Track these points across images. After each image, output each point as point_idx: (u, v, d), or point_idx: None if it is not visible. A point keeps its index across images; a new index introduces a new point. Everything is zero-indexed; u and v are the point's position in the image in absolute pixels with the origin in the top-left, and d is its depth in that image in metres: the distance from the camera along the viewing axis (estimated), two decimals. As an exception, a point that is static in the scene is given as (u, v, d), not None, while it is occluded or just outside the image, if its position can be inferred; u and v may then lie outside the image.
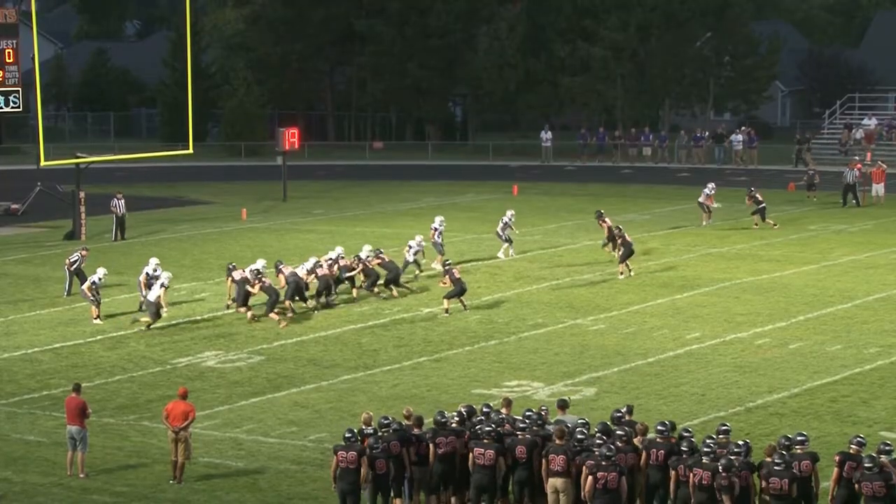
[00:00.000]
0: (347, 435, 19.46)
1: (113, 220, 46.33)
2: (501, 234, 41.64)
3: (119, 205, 46.24)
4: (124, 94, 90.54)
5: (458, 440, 19.71)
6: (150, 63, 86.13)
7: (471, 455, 19.39)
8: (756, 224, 46.25)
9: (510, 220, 41.82)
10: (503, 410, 20.67)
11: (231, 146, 77.12)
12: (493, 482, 19.31)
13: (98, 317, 32.69)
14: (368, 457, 19.28)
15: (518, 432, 19.54)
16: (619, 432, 19.26)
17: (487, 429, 19.45)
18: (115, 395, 26.73)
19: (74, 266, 35.93)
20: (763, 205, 46.58)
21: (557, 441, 19.05)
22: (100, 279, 33.03)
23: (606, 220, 40.42)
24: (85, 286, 32.89)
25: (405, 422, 20.09)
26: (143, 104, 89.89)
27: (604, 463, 18.34)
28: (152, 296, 31.82)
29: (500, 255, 41.61)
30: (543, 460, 18.99)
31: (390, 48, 78.18)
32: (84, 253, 36.74)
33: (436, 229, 39.87)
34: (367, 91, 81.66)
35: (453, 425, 20.03)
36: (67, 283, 35.90)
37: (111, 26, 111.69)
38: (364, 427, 19.89)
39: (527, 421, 19.71)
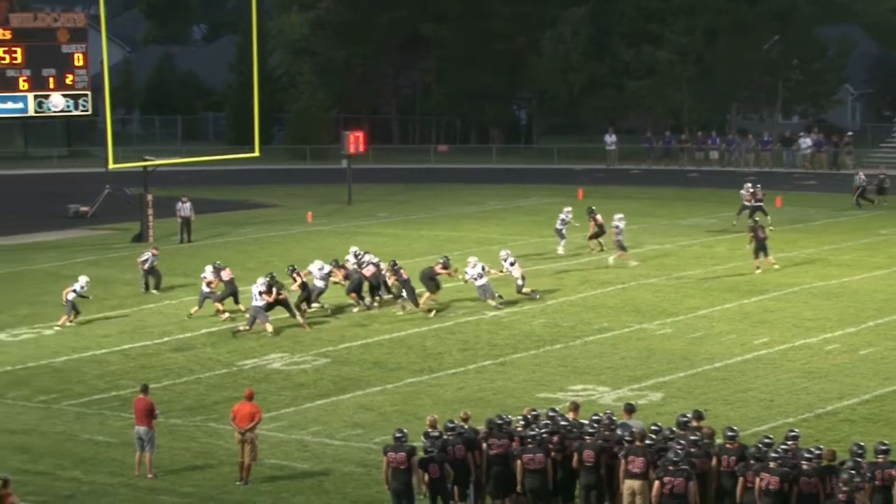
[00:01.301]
0: (397, 435, 19.48)
1: (178, 223, 46.67)
2: (560, 230, 42.23)
3: (184, 208, 46.57)
4: (191, 98, 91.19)
5: (511, 443, 19.69)
6: (217, 67, 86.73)
7: (519, 462, 19.32)
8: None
9: (567, 216, 42.21)
10: (570, 414, 20.58)
11: (296, 149, 77.43)
12: (544, 486, 19.23)
13: (71, 322, 32.67)
14: (420, 460, 19.25)
15: (586, 436, 19.44)
16: (691, 437, 19.11)
17: (532, 433, 19.38)
18: (182, 397, 26.89)
19: (147, 265, 36.51)
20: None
21: (638, 443, 18.91)
22: (81, 287, 33.10)
23: (597, 216, 42.12)
24: (67, 292, 32.96)
25: (461, 424, 20.06)
26: (209, 108, 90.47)
27: (671, 468, 18.20)
28: (259, 303, 31.83)
29: (560, 250, 42.06)
30: (622, 461, 18.86)
31: (455, 52, 78.19)
32: (154, 252, 37.26)
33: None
34: (432, 95, 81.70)
35: (518, 428, 19.97)
36: (143, 281, 36.57)
37: (178, 31, 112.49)
38: (429, 430, 19.86)
39: (595, 425, 19.61)
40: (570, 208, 43.38)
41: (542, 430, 19.52)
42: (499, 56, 77.67)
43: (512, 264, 35.69)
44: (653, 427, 19.68)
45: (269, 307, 31.99)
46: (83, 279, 33.27)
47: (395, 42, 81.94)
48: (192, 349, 30.82)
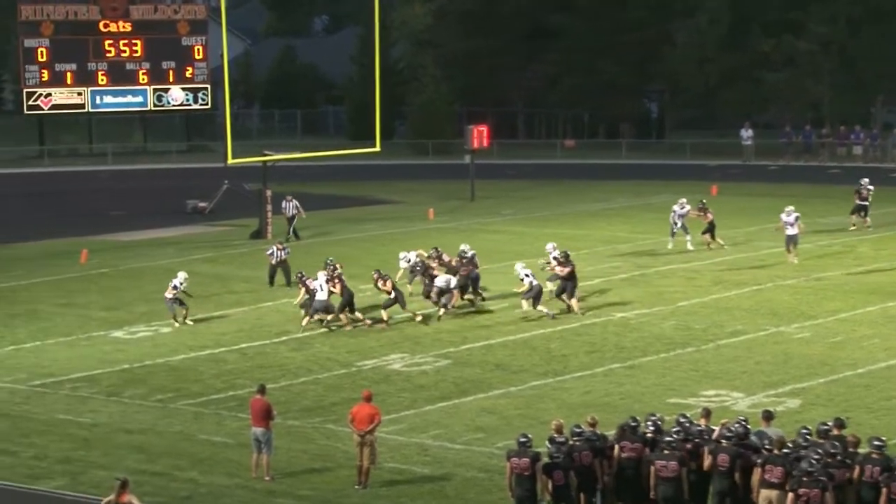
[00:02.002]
0: (521, 440, 19.43)
1: (286, 223, 46.80)
2: (677, 224, 41.86)
3: (289, 206, 46.79)
4: (311, 91, 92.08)
5: (643, 448, 19.56)
6: (338, 59, 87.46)
7: (652, 468, 19.17)
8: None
9: (683, 209, 42.00)
10: (701, 421, 20.37)
11: (418, 144, 77.76)
12: (678, 495, 19.04)
13: (186, 318, 33.07)
14: (544, 466, 19.19)
15: (722, 440, 19.25)
16: (828, 446, 18.79)
17: (669, 439, 19.20)
18: (300, 397, 27.14)
19: (275, 259, 36.96)
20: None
21: (776, 451, 18.65)
22: (181, 283, 33.40)
23: (710, 212, 41.78)
24: (168, 293, 33.28)
25: (588, 429, 19.97)
26: (330, 101, 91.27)
27: (805, 479, 17.92)
28: (322, 296, 32.21)
29: (690, 245, 41.89)
30: (759, 470, 18.61)
31: (583, 43, 77.85)
32: (279, 246, 37.62)
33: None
34: (559, 87, 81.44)
35: (648, 435, 19.83)
36: (269, 276, 36.98)
37: (299, 22, 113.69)
38: (555, 435, 19.78)
39: (731, 431, 19.39)
40: (685, 199, 42.87)
41: (676, 437, 19.34)
42: (630, 46, 77.13)
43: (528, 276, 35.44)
44: (803, 431, 19.42)
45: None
46: (182, 275, 33.67)
47: (522, 32, 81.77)
48: (311, 349, 31.09)
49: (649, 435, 19.86)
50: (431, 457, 23.42)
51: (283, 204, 46.86)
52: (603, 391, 27.12)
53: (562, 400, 26.56)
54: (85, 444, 24.28)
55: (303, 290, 33.19)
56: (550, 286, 34.54)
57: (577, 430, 19.86)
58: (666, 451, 19.14)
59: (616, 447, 19.74)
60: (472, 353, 30.38)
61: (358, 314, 33.00)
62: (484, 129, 59.50)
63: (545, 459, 19.42)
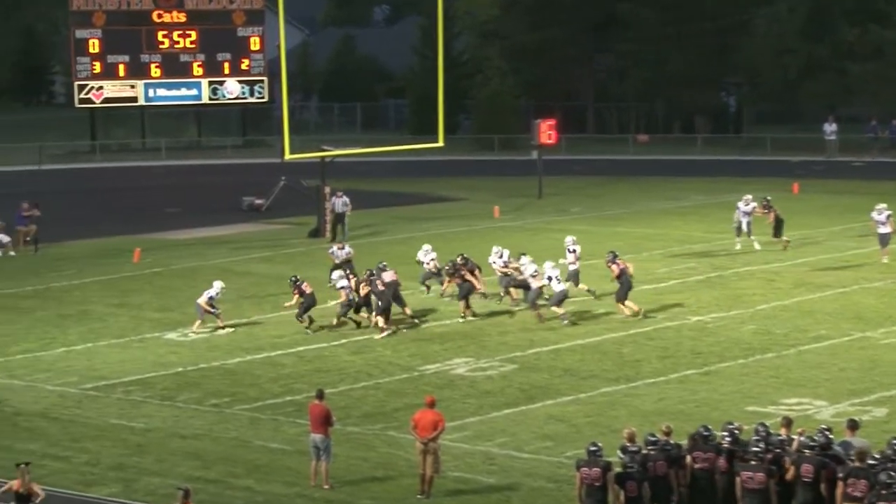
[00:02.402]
0: (592, 448, 19.38)
1: (330, 220, 46.78)
2: (741, 223, 41.60)
3: (337, 203, 46.80)
4: (372, 83, 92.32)
5: (717, 457, 19.44)
6: (400, 51, 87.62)
7: (738, 479, 19.06)
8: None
9: (747, 206, 41.78)
10: (782, 431, 20.22)
11: (483, 139, 77.75)
12: (765, 509, 18.95)
13: (223, 327, 33.12)
14: (617, 476, 19.12)
15: (805, 450, 19.11)
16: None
17: (756, 450, 19.07)
18: (360, 403, 27.21)
19: (338, 259, 37.06)
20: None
21: (858, 463, 18.49)
22: (217, 293, 33.44)
23: (775, 209, 41.58)
24: (201, 300, 33.34)
25: (663, 438, 19.88)
26: (391, 94, 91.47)
27: (883, 492, 17.74)
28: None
29: (756, 245, 41.65)
30: (841, 483, 18.46)
31: (656, 33, 77.52)
32: (338, 246, 37.70)
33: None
34: (631, 80, 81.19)
35: (725, 444, 19.71)
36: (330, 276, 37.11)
37: (359, 12, 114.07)
38: (627, 444, 19.72)
39: (814, 440, 19.24)
40: (749, 195, 42.60)
41: (770, 447, 19.21)
42: (705, 37, 76.75)
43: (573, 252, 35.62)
44: None
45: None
46: (218, 284, 33.67)
47: (591, 23, 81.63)
48: (371, 352, 31.16)
49: (725, 445, 19.74)
50: (497, 466, 23.41)
51: (333, 200, 46.90)
52: (677, 398, 26.99)
53: (634, 407, 26.46)
54: (138, 450, 24.47)
55: (297, 295, 33.09)
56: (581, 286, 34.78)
57: (652, 438, 19.79)
58: (752, 462, 19.01)
59: (688, 458, 19.63)
60: (539, 358, 30.35)
61: (363, 314, 33.05)
62: (552, 123, 59.36)
63: (617, 469, 19.35)
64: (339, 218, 46.80)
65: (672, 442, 19.94)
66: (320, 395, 22.89)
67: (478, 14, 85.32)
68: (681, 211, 52.40)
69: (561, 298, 33.06)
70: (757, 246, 41.84)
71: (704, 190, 58.30)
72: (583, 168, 67.52)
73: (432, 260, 36.24)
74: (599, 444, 19.57)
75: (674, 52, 76.94)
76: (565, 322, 32.78)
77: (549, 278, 33.23)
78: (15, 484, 19.56)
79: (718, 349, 30.68)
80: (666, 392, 27.47)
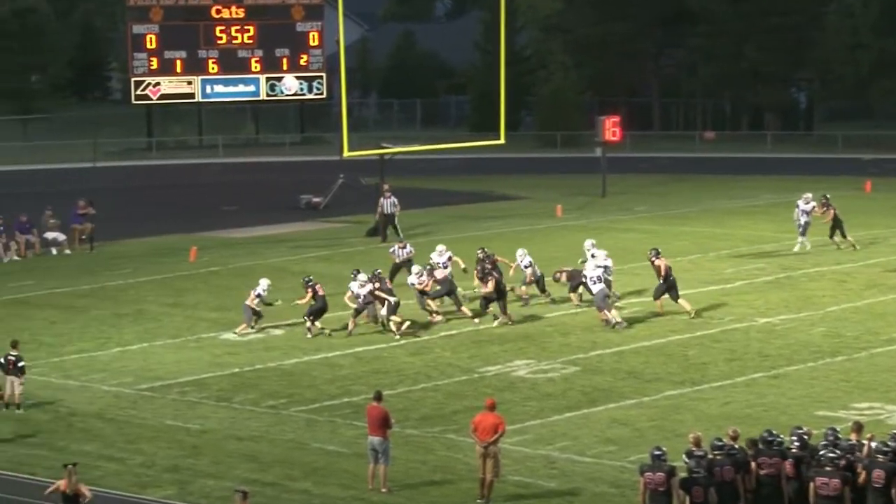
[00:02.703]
0: (656, 453, 19.34)
1: (378, 220, 46.66)
2: (799, 223, 41.31)
3: (386, 203, 46.64)
4: (432, 79, 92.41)
5: (783, 462, 19.34)
6: (461, 46, 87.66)
7: (811, 485, 18.95)
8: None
9: (807, 205, 41.50)
10: (852, 436, 20.10)
11: (546, 136, 77.68)
12: (838, 515, 18.83)
13: (252, 328, 33.13)
14: (682, 481, 19.06)
15: (878, 455, 18.98)
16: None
17: (832, 455, 18.94)
18: (418, 405, 27.26)
19: (399, 259, 37.12)
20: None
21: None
22: (265, 291, 33.49)
23: (833, 208, 41.23)
24: (250, 301, 33.37)
25: (730, 442, 19.80)
26: (451, 91, 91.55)
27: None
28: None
29: (797, 248, 41.46)
30: None
31: (725, 28, 77.18)
32: (400, 245, 37.73)
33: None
34: (698, 76, 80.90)
35: (793, 450, 19.61)
36: (389, 275, 37.08)
37: (420, 7, 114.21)
38: (693, 449, 19.66)
39: (888, 445, 19.11)
40: (810, 194, 42.32)
41: (845, 453, 19.10)
42: (775, 32, 76.30)
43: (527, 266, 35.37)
44: None
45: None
46: (265, 282, 33.74)
47: (658, 17, 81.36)
48: (430, 353, 31.21)
49: (794, 450, 19.63)
50: (559, 470, 23.39)
51: (381, 200, 46.77)
52: (744, 402, 26.86)
53: (700, 411, 26.36)
54: (194, 452, 24.64)
55: (309, 295, 33.11)
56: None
57: (718, 443, 19.72)
58: (828, 468, 18.90)
59: (753, 463, 19.53)
60: (602, 360, 30.29)
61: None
62: (616, 119, 59.25)
63: (682, 474, 19.30)
64: (388, 219, 46.64)
65: (738, 446, 19.86)
66: (378, 397, 22.94)
67: (540, 8, 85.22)
68: (749, 210, 52.10)
69: (602, 298, 32.92)
70: (808, 247, 41.55)
71: (773, 188, 57.93)
72: (648, 166, 67.32)
73: (447, 262, 35.40)
74: (664, 449, 19.53)
75: (744, 48, 76.51)
76: (622, 325, 32.62)
77: (586, 277, 33.18)
78: (62, 484, 19.75)
79: (787, 352, 30.50)
80: (732, 396, 27.35)
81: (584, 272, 33.68)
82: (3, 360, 27.05)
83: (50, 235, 45.52)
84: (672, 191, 58.33)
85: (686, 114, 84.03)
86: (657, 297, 33.90)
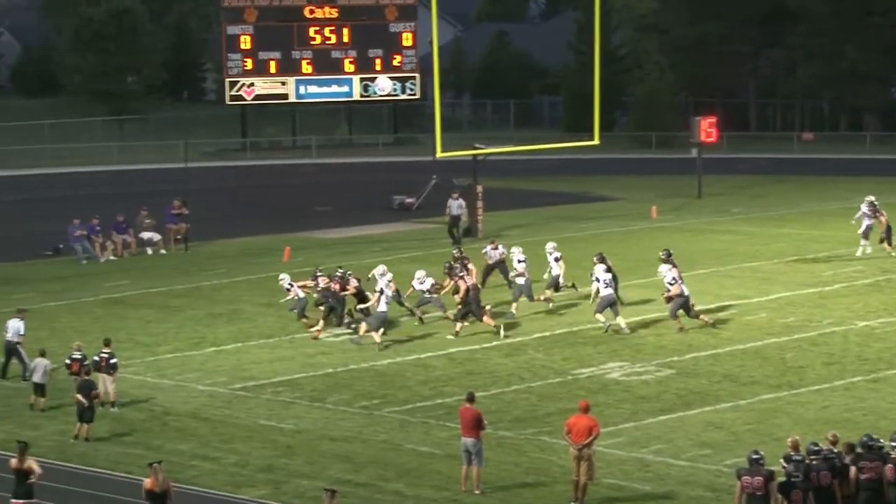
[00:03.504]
0: (754, 457, 19.24)
1: (448, 223, 46.51)
2: (865, 225, 40.78)
3: (454, 205, 46.52)
4: (526, 80, 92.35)
5: (883, 467, 19.14)
6: (554, 46, 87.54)
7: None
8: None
9: (869, 209, 40.99)
10: (954, 442, 19.87)
11: (640, 137, 77.37)
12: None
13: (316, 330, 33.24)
14: (781, 485, 18.93)
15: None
16: None
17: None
18: (511, 407, 27.28)
19: (493, 260, 37.12)
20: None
21: None
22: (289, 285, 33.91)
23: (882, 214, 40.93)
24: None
25: (829, 447, 19.63)
26: (545, 91, 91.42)
27: None
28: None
29: (859, 252, 41.02)
30: None
31: (824, 27, 76.40)
32: (491, 245, 37.64)
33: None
34: (797, 76, 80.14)
35: (894, 454, 19.41)
36: (482, 276, 37.07)
37: (514, 7, 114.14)
38: (791, 453, 19.52)
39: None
40: (872, 197, 41.84)
41: None
42: (876, 31, 75.41)
43: (557, 260, 35.16)
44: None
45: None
46: (286, 277, 34.29)
47: (755, 16, 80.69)
48: (523, 355, 31.22)
49: (894, 455, 19.44)
50: (653, 473, 23.32)
51: (449, 202, 46.66)
52: (843, 406, 26.61)
53: (797, 415, 26.16)
54: (288, 452, 24.83)
55: (308, 286, 33.81)
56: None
57: (815, 447, 19.57)
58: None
59: (853, 469, 19.34)
60: (697, 363, 30.13)
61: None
62: (712, 120, 58.93)
63: (780, 478, 19.16)
64: (454, 220, 46.57)
65: (836, 451, 19.69)
66: (471, 399, 22.99)
67: (636, 7, 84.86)
68: (848, 212, 51.37)
69: (605, 304, 32.77)
70: (868, 250, 41.02)
71: (873, 190, 57.01)
72: (745, 167, 66.83)
73: (432, 285, 34.77)
74: (762, 453, 19.40)
75: (844, 48, 75.70)
76: (625, 330, 32.54)
77: (598, 279, 33.00)
78: (147, 482, 19.99)
79: (888, 356, 30.18)
80: (831, 399, 27.11)
81: (596, 275, 33.36)
82: (96, 358, 27.43)
83: (145, 235, 46.05)
84: (770, 192, 57.87)
85: (783, 114, 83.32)
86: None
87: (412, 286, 34.72)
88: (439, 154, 47.83)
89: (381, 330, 32.06)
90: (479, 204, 47.93)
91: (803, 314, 34.12)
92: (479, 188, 48.05)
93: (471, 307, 32.66)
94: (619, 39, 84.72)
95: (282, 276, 35.19)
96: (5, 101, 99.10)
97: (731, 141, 73.32)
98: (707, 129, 57.62)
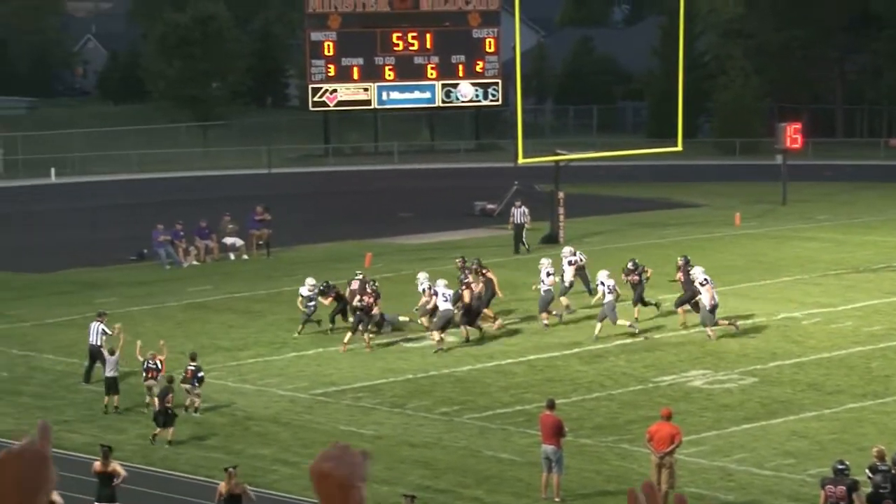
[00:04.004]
0: (839, 466, 19.02)
1: (512, 231, 46.30)
2: None
3: (517, 213, 46.19)
4: (609, 85, 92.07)
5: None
6: (638, 52, 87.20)
7: None
8: None
9: None
10: None
11: (724, 143, 76.87)
12: None
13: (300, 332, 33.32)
14: (870, 496, 18.69)
15: None
16: None
17: None
18: (592, 414, 27.17)
19: (575, 265, 37.00)
20: None
21: None
22: (309, 291, 33.59)
23: None
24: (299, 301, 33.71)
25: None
26: (628, 97, 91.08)
27: None
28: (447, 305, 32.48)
29: None
30: None
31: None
32: (571, 255, 37.27)
33: None
34: (884, 81, 79.20)
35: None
36: (568, 283, 36.96)
37: (597, 12, 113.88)
38: (877, 463, 19.29)
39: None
40: None
41: None
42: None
43: (571, 264, 35.03)
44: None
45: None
46: (310, 281, 34.17)
47: (842, 21, 79.90)
48: (604, 362, 31.08)
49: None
50: (736, 482, 23.12)
51: (512, 210, 46.20)
52: (929, 417, 26.28)
53: (882, 424, 25.85)
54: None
55: (331, 299, 33.56)
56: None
57: (901, 458, 19.32)
58: None
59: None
60: (781, 372, 29.85)
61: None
62: (797, 126, 58.42)
63: (865, 489, 18.93)
64: (518, 229, 46.05)
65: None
66: (551, 406, 22.92)
67: (721, 13, 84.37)
68: (936, 219, 50.91)
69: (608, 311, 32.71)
70: None
71: (962, 197, 56.53)
72: (830, 173, 66.17)
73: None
74: (847, 462, 19.17)
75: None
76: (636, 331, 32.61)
77: (602, 283, 32.83)
78: (222, 487, 20.10)
79: (975, 365, 29.75)
80: (917, 410, 26.78)
81: (601, 280, 33.17)
82: (184, 373, 27.62)
83: (228, 241, 46.34)
84: (856, 199, 57.26)
85: (870, 120, 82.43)
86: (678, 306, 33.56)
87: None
88: (521, 160, 47.73)
89: (444, 330, 32.14)
90: (561, 210, 47.76)
91: (889, 323, 33.71)
92: (561, 194, 47.89)
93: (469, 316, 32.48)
94: (703, 45, 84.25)
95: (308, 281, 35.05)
96: (92, 107, 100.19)
97: (817, 147, 72.65)
98: (792, 135, 57.16)
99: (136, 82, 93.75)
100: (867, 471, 19.31)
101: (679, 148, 51.96)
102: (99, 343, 29.86)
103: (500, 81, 74.75)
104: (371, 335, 32.52)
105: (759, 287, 38.50)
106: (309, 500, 22.79)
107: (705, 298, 32.16)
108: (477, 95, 74.74)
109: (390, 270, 42.89)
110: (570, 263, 35.87)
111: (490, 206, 55.27)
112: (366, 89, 73.24)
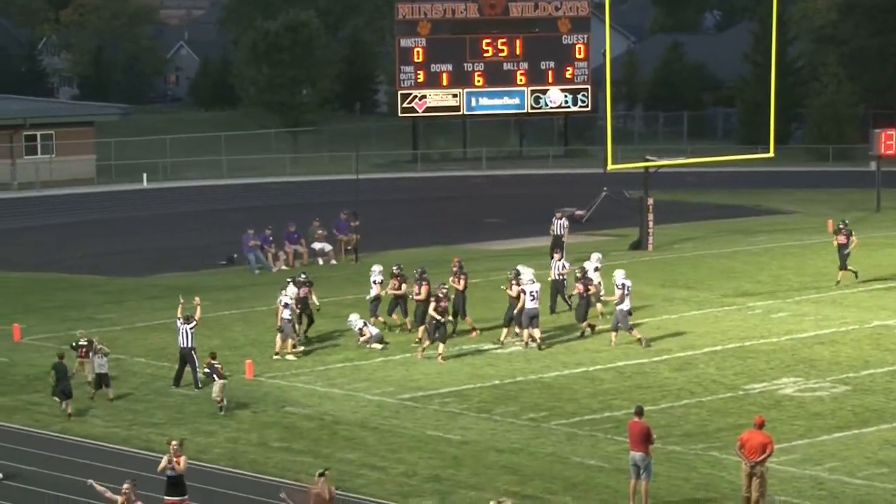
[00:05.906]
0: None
1: (551, 241, 45.63)
2: None
3: (558, 224, 45.00)
4: (699, 91, 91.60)
5: None
6: (729, 58, 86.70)
7: None
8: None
9: None
10: None
11: (817, 149, 76.19)
12: None
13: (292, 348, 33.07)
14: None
15: None
16: None
17: None
18: (681, 421, 26.98)
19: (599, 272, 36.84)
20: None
21: None
22: (291, 299, 33.53)
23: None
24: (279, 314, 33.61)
25: None
26: (719, 103, 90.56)
27: None
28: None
29: None
30: None
31: None
32: (597, 260, 36.81)
33: None
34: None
35: None
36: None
37: (689, 18, 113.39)
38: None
39: None
40: None
41: None
42: None
43: (596, 269, 35.16)
44: None
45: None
46: (292, 290, 34.14)
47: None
48: (693, 369, 30.88)
49: None
50: (827, 491, 22.87)
51: (553, 220, 45.47)
52: None
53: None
54: (455, 463, 24.85)
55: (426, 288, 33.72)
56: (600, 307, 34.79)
57: None
58: None
59: None
60: (874, 379, 29.51)
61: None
62: (892, 132, 57.77)
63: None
64: (556, 240, 45.04)
65: None
66: (640, 412, 22.79)
67: (814, 19, 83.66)
68: None
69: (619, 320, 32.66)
70: None
71: None
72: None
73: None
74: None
75: None
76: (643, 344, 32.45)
77: (622, 286, 32.69)
78: (315, 491, 20.20)
79: None
80: None
81: (620, 281, 33.13)
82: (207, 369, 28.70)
83: (317, 246, 46.55)
84: (954, 207, 56.53)
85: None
86: None
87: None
88: (610, 166, 47.48)
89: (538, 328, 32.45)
90: (650, 217, 47.52)
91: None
92: (650, 201, 47.66)
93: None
94: (795, 51, 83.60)
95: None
96: (184, 113, 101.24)
97: (912, 154, 71.69)
98: (887, 141, 56.57)
99: (226, 89, 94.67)
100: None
101: (770, 154, 51.51)
102: (189, 345, 30.10)
103: (589, 87, 74.60)
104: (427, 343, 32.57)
105: (851, 295, 38.13)
106: (396, 505, 22.84)
107: (627, 303, 32.48)
108: (566, 101, 74.65)
109: (477, 276, 42.79)
110: (595, 270, 35.68)
111: (578, 212, 55.06)
112: (455, 95, 73.36)
